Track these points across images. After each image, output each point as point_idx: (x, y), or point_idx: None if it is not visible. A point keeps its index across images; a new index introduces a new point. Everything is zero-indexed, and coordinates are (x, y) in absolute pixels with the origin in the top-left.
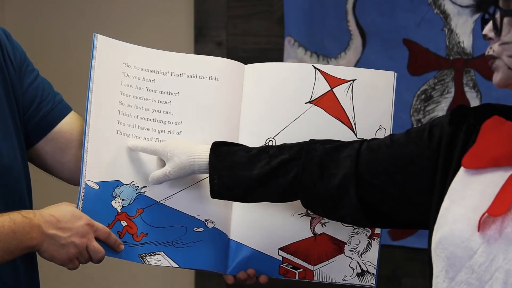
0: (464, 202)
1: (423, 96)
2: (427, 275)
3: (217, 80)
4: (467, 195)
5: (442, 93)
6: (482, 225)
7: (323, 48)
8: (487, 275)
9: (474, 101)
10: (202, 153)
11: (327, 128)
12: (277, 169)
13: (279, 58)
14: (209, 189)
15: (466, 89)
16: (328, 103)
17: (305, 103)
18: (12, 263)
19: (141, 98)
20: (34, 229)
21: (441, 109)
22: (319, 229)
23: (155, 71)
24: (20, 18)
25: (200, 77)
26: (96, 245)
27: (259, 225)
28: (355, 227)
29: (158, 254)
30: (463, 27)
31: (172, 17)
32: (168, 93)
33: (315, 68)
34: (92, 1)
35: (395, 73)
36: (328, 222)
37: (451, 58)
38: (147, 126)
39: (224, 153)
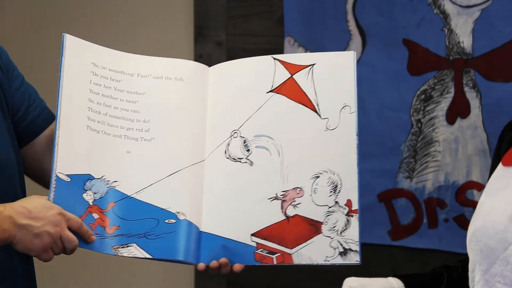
0: (499, 195)
1: (423, 96)
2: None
3: (183, 80)
4: (503, 189)
5: (442, 93)
6: None
7: (323, 48)
8: None
9: (474, 101)
10: (392, 282)
11: (291, 113)
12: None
13: None
14: (180, 183)
15: (466, 89)
16: (289, 89)
17: (267, 92)
18: (8, 259)
19: (110, 97)
20: (5, 221)
21: (441, 109)
22: (291, 211)
23: (122, 72)
24: (20, 18)
25: (166, 78)
26: (69, 234)
27: (229, 214)
28: (330, 205)
29: (131, 246)
30: (463, 27)
31: (172, 17)
32: (135, 93)
33: (274, 58)
34: (92, 1)
35: (355, 52)
36: (300, 203)
37: (451, 58)
38: (116, 123)
39: (410, 276)
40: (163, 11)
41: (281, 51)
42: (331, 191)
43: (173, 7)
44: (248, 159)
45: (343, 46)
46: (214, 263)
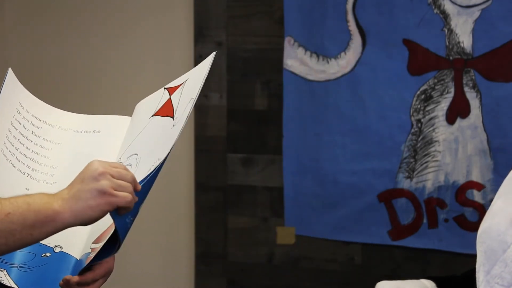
0: (507, 198)
1: (423, 96)
2: (426, 275)
3: (100, 132)
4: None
5: (442, 93)
6: None
7: (323, 48)
8: None
9: (474, 101)
10: (426, 283)
11: (156, 127)
12: None
13: (279, 58)
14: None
15: (466, 89)
16: (165, 109)
17: (149, 118)
18: None
19: (25, 137)
20: (54, 198)
21: (441, 109)
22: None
23: (44, 122)
24: (20, 18)
25: (85, 131)
26: (120, 170)
27: (84, 234)
28: None
29: (1, 271)
30: (463, 27)
31: (172, 17)
32: (52, 142)
33: (165, 88)
34: (92, 1)
35: (215, 52)
36: None
37: (451, 58)
38: (24, 161)
39: (442, 278)
40: (163, 11)
41: (281, 51)
42: None
43: (173, 7)
44: None
45: (343, 46)
46: (60, 283)
